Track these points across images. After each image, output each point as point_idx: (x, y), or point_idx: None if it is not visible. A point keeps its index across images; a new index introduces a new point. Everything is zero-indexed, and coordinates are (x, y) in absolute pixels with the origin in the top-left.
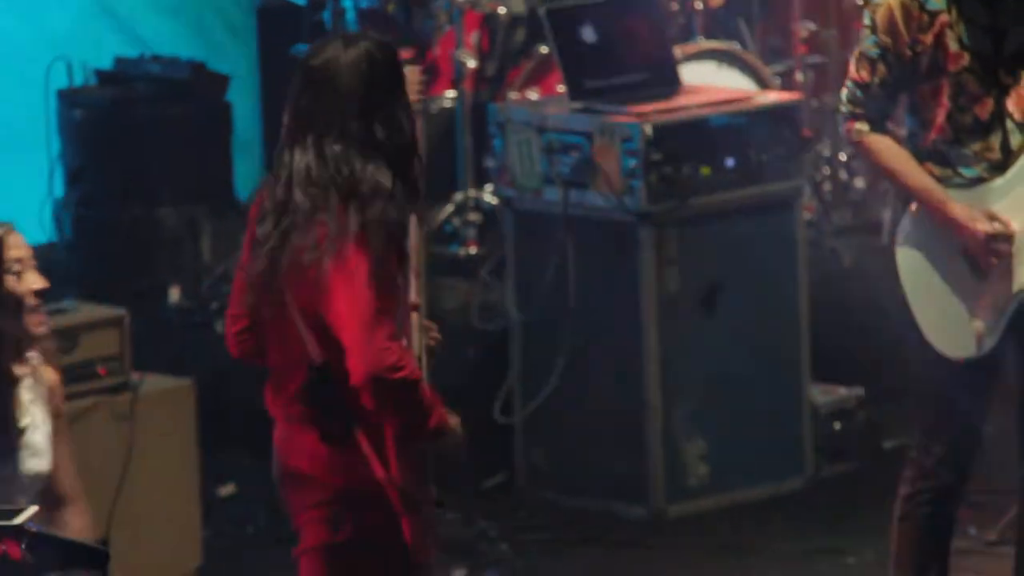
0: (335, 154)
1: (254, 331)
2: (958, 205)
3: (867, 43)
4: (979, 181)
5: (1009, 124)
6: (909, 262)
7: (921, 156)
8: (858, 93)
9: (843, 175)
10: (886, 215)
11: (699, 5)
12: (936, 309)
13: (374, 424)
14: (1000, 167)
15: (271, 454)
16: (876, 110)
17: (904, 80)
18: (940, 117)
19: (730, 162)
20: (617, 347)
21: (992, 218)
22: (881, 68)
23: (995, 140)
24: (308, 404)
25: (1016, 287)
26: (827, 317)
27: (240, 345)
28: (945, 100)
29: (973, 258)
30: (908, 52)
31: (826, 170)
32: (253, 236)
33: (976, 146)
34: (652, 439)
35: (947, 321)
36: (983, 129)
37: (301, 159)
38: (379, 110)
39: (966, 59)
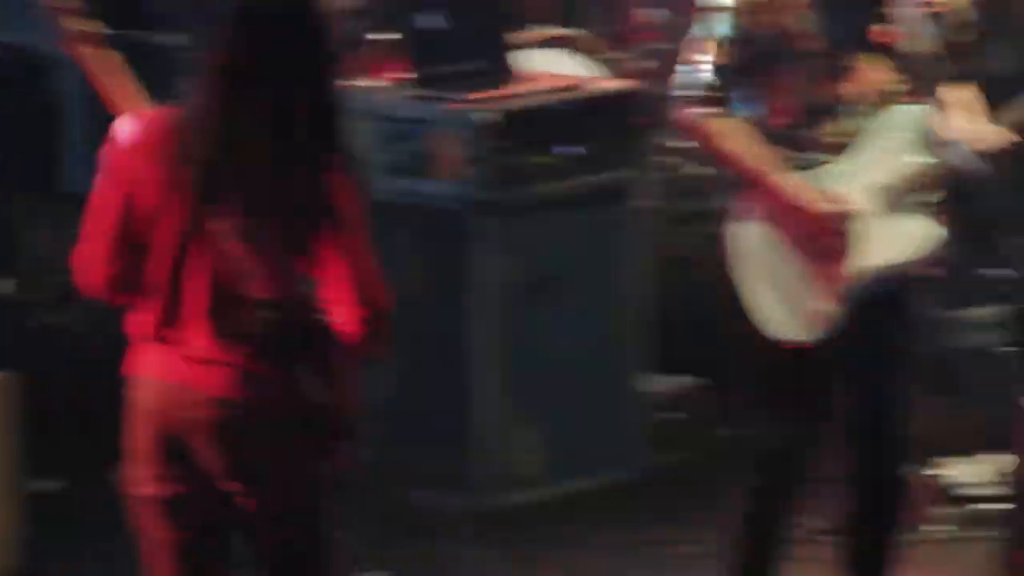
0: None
1: (136, 271)
2: (802, 186)
3: (722, 25)
4: (823, 164)
5: (852, 107)
6: (745, 247)
7: (766, 140)
8: (713, 76)
9: (682, 163)
10: (724, 201)
11: None
12: (774, 295)
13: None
14: (844, 150)
15: (105, 447)
16: (727, 93)
17: (754, 63)
18: (787, 100)
19: (568, 150)
20: (451, 336)
21: (835, 199)
22: (735, 51)
23: (841, 123)
24: (269, 338)
25: (857, 268)
26: (667, 306)
27: (120, 285)
28: (793, 83)
29: (813, 241)
30: (761, 35)
31: (665, 158)
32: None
33: (821, 129)
34: (482, 430)
35: (786, 307)
36: (828, 112)
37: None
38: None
39: (815, 42)
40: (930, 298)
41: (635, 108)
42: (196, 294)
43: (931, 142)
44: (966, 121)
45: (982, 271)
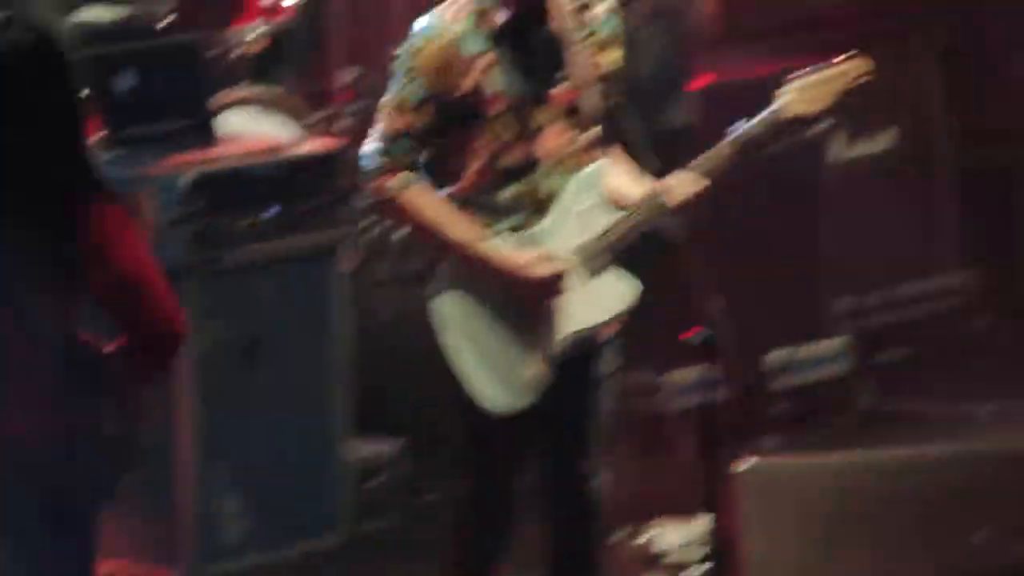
0: None
1: None
2: (506, 253)
3: (409, 88)
4: (519, 228)
5: (543, 168)
6: (449, 313)
7: (457, 206)
8: (398, 143)
9: (386, 224)
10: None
11: (240, 51)
12: (482, 361)
13: None
14: (539, 212)
15: None
16: (415, 160)
17: (443, 126)
18: (478, 163)
19: (271, 212)
20: (156, 401)
21: (544, 261)
22: (424, 114)
23: (531, 185)
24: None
25: (567, 329)
26: (371, 368)
27: None
28: (482, 146)
29: (520, 306)
30: (450, 97)
31: (369, 219)
32: None
33: (513, 192)
34: (184, 496)
35: (495, 373)
36: (520, 174)
37: None
38: None
39: (504, 102)
40: (633, 359)
41: (337, 170)
42: None
43: (620, 198)
44: (631, 177)
45: (685, 332)
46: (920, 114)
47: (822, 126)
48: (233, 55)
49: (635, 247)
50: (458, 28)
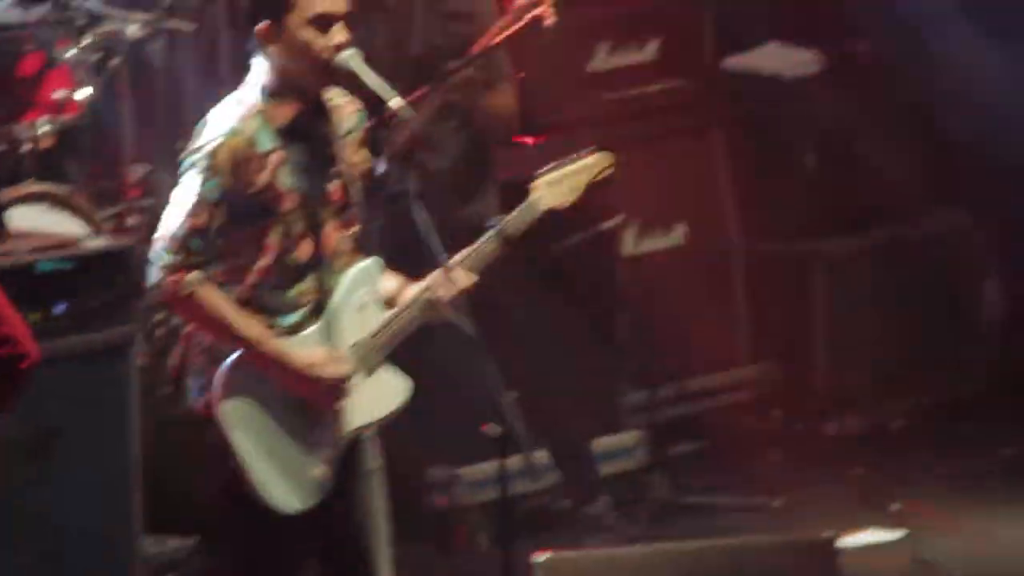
0: None
1: None
2: (296, 352)
3: (205, 187)
4: (300, 327)
5: (325, 265)
6: (236, 416)
7: (245, 302)
8: (192, 241)
9: (176, 320)
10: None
11: (27, 147)
12: (269, 462)
13: None
14: (317, 310)
15: None
16: (209, 258)
17: (235, 224)
18: (264, 261)
19: (60, 308)
20: None
21: (332, 360)
22: (219, 213)
23: (313, 283)
24: None
25: (352, 423)
26: (162, 466)
27: None
28: (272, 243)
29: (304, 405)
30: (245, 193)
31: (160, 315)
32: None
33: (296, 290)
34: None
35: (282, 473)
36: (303, 272)
37: None
38: None
39: (294, 199)
40: (430, 453)
41: (127, 265)
42: None
43: (392, 296)
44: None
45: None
46: (712, 208)
47: (614, 220)
48: (21, 150)
49: (425, 342)
50: (251, 126)
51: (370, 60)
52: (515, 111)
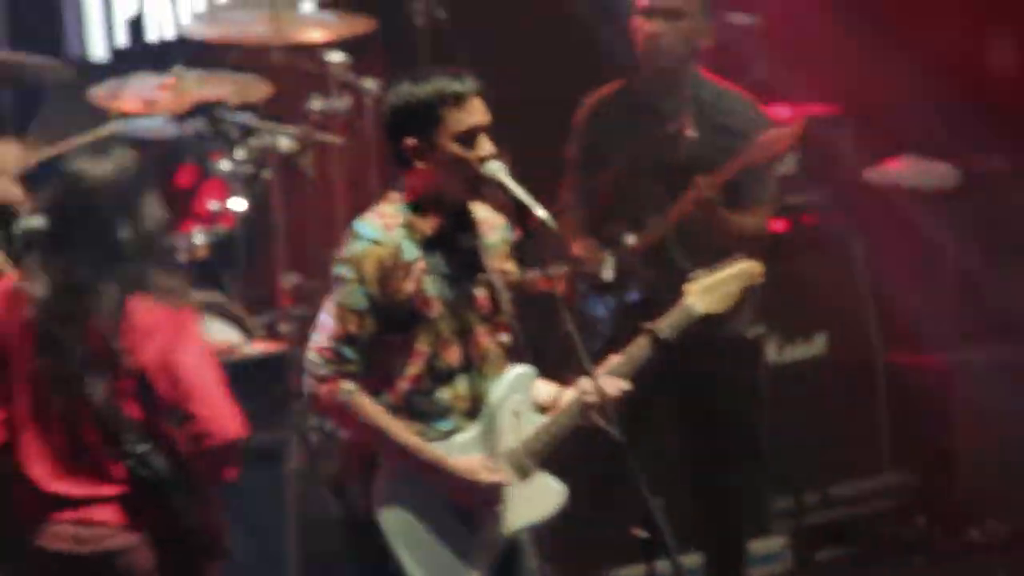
0: None
1: None
2: (455, 458)
3: (355, 295)
4: (454, 432)
5: (475, 370)
6: (397, 523)
7: (395, 409)
8: (344, 349)
9: (330, 425)
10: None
11: (183, 257)
12: (428, 568)
13: None
14: (471, 414)
15: None
16: (361, 365)
17: (385, 331)
18: (415, 367)
19: None
20: None
21: (489, 467)
22: (369, 320)
23: (464, 388)
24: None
25: (509, 528)
26: (319, 568)
27: None
28: (421, 349)
29: (462, 510)
30: (393, 302)
31: (313, 420)
32: None
33: (448, 395)
34: None
35: None
36: (453, 377)
37: None
38: None
39: (439, 306)
40: (582, 555)
41: (280, 372)
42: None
43: (545, 402)
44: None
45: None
46: (854, 316)
47: (756, 330)
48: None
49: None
50: (397, 236)
51: (634, 161)
52: (765, 234)
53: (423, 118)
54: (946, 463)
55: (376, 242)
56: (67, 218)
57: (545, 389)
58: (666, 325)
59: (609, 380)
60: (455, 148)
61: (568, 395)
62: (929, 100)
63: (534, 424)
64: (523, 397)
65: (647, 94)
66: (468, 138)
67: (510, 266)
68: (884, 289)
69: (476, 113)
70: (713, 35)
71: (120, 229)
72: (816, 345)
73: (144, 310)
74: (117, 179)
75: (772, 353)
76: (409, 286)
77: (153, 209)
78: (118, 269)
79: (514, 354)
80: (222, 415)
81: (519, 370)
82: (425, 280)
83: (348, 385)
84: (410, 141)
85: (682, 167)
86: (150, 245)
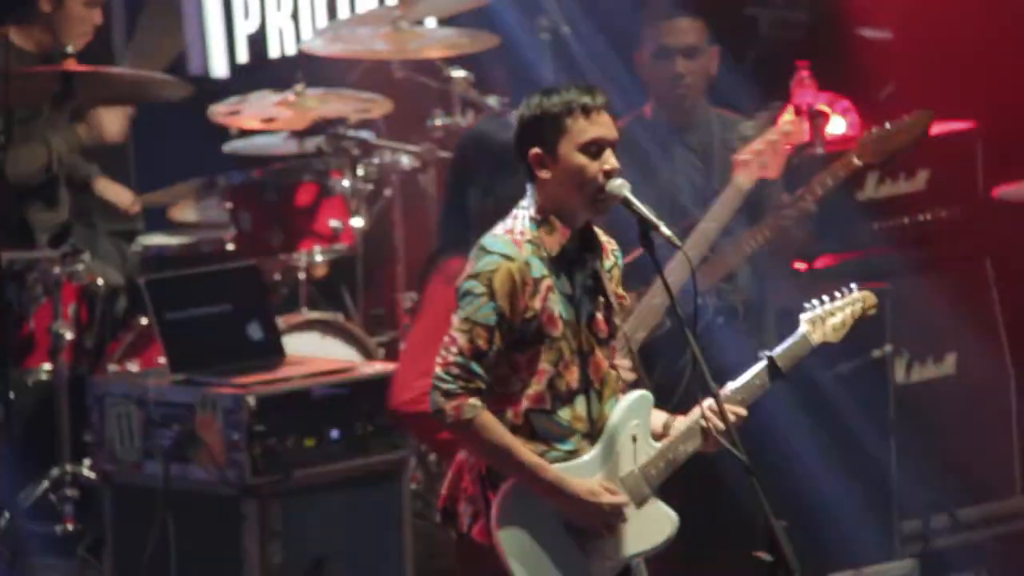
0: None
1: None
2: (575, 480)
3: (484, 310)
4: (575, 454)
5: (594, 391)
6: (514, 544)
7: (510, 430)
8: (472, 365)
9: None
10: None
11: (302, 275)
12: None
13: None
14: (590, 436)
15: None
16: (488, 382)
17: (510, 348)
18: (537, 386)
19: (335, 433)
20: None
21: (610, 489)
22: (498, 336)
23: (583, 409)
24: None
25: (625, 553)
26: None
27: None
28: (544, 368)
29: (579, 533)
30: (520, 318)
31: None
32: None
33: (567, 415)
34: None
35: None
36: (573, 398)
37: None
38: None
39: (561, 325)
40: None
41: None
42: None
43: (661, 428)
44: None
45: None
46: (984, 336)
47: (884, 350)
48: (298, 278)
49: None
50: (524, 252)
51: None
52: (810, 242)
53: (549, 127)
54: None
55: (507, 257)
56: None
57: (656, 416)
58: (782, 353)
59: (728, 404)
60: (578, 158)
61: (680, 422)
62: None
63: (651, 449)
64: (641, 422)
65: (663, 129)
66: (592, 150)
67: (620, 291)
68: (1015, 308)
69: (603, 126)
70: (717, 63)
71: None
72: (946, 366)
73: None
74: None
75: (900, 374)
76: (536, 303)
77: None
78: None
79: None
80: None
81: (637, 394)
82: (551, 298)
83: (475, 401)
84: (535, 151)
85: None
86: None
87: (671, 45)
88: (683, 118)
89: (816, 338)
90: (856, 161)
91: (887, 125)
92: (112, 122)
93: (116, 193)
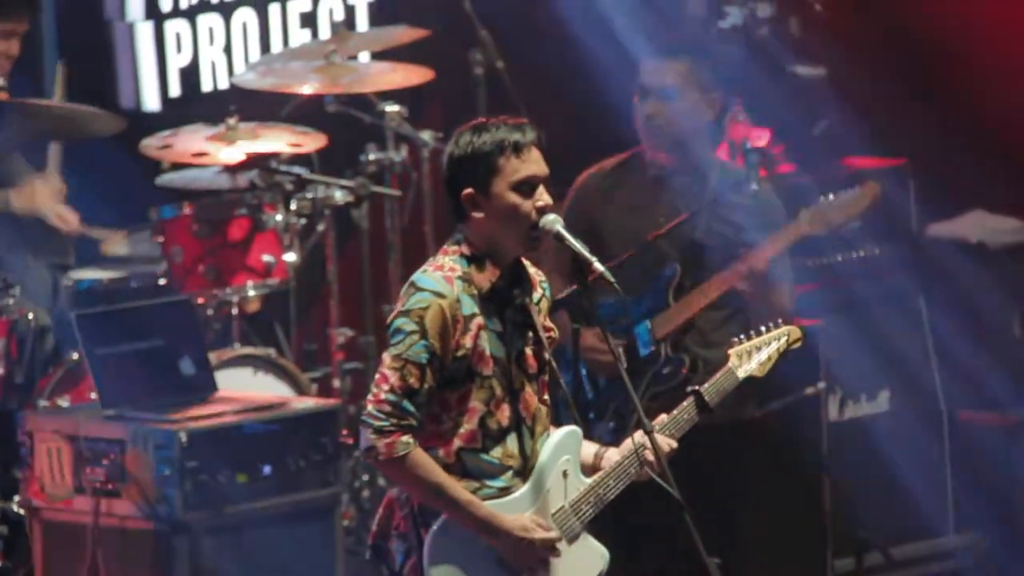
0: None
1: None
2: (507, 517)
3: (416, 348)
4: (506, 491)
5: (525, 428)
6: None
7: (443, 468)
8: (404, 403)
9: (381, 481)
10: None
11: (235, 310)
12: None
13: None
14: (521, 473)
15: None
16: (420, 420)
17: (441, 387)
18: (468, 425)
19: (267, 469)
20: None
21: (541, 526)
22: (429, 374)
23: (514, 446)
24: None
25: None
26: None
27: None
28: (475, 406)
29: (512, 570)
30: (450, 356)
31: (364, 476)
32: None
33: (498, 453)
34: None
35: None
36: (504, 435)
37: None
38: None
39: (492, 364)
40: None
41: (332, 427)
42: None
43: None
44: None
45: None
46: (917, 374)
47: (816, 387)
48: (230, 313)
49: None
50: (456, 289)
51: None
52: (791, 312)
53: (481, 167)
54: (1011, 523)
55: (438, 294)
56: None
57: (587, 447)
58: (709, 387)
59: (657, 437)
60: (512, 197)
61: (612, 455)
62: (997, 154)
63: (582, 484)
64: (571, 456)
65: (654, 167)
66: (525, 188)
67: (549, 324)
68: (948, 346)
69: (534, 163)
70: (717, 109)
71: None
72: (880, 403)
73: None
74: None
75: (834, 411)
76: (468, 341)
77: None
78: None
79: (556, 413)
80: None
81: (567, 430)
82: (482, 336)
83: (408, 439)
84: (467, 191)
85: (684, 250)
86: None
87: (645, 85)
88: (673, 159)
89: (742, 372)
90: (804, 229)
91: (831, 197)
92: (44, 195)
93: (61, 215)
